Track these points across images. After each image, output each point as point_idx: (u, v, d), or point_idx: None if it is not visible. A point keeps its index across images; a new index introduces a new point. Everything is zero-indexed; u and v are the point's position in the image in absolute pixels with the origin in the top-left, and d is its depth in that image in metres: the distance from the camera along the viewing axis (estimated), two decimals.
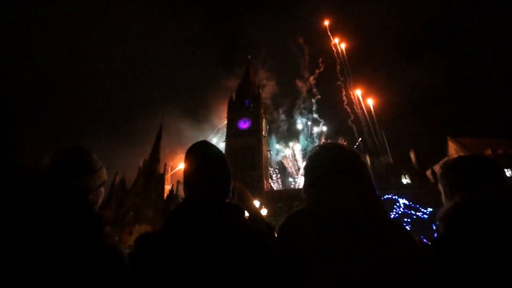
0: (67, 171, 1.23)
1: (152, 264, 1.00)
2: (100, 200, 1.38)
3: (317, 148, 1.30)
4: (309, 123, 63.44)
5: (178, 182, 40.68)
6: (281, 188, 49.44)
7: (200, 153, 1.31)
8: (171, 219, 1.12)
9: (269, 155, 49.33)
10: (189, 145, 1.37)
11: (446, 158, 1.55)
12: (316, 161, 1.23)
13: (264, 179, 40.84)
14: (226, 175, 1.29)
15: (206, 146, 1.34)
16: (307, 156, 1.32)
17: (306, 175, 1.26)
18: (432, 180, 28.99)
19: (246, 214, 1.47)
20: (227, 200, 1.29)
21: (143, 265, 1.01)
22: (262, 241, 1.10)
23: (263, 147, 44.06)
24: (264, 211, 16.05)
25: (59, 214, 1.00)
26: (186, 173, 1.27)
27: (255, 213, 1.50)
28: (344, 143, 1.41)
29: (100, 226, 1.09)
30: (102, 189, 1.38)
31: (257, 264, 1.00)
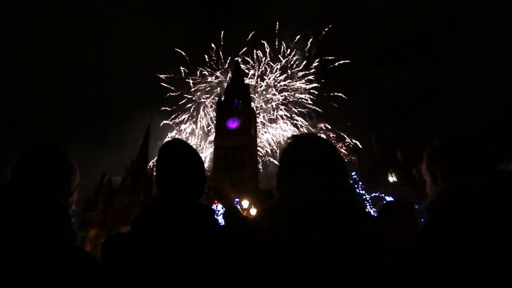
0: (50, 171, 1.16)
1: (118, 267, 0.98)
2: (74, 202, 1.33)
3: (290, 140, 1.24)
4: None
5: None
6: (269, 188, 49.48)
7: (172, 151, 1.28)
8: (138, 220, 1.11)
9: (259, 154, 49.33)
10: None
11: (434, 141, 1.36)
12: (287, 154, 1.19)
13: (254, 179, 40.81)
14: (198, 173, 1.27)
15: (178, 144, 1.31)
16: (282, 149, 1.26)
17: (278, 168, 1.21)
18: (417, 177, 29.52)
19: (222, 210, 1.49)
20: (204, 196, 1.29)
21: (110, 267, 1.00)
22: (229, 240, 1.08)
23: (253, 146, 44.04)
24: (253, 211, 16.05)
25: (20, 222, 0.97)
26: (157, 172, 1.25)
27: (230, 208, 1.49)
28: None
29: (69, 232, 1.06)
30: (76, 191, 1.31)
31: (222, 264, 0.99)
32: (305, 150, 1.14)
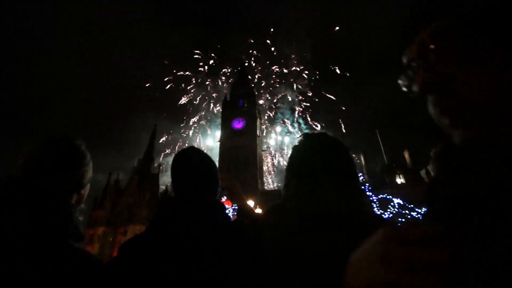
0: (62, 163, 1.12)
1: (133, 270, 0.98)
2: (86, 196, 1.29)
3: (301, 138, 1.22)
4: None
5: None
6: (275, 188, 49.51)
7: (187, 159, 1.33)
8: (153, 222, 1.12)
9: (263, 154, 49.31)
10: (182, 145, 1.37)
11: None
12: (298, 153, 1.16)
13: (259, 179, 40.86)
14: (212, 179, 1.32)
15: (193, 152, 1.37)
16: (292, 147, 1.24)
17: (287, 167, 1.19)
18: (426, 180, 29.27)
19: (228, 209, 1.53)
20: (217, 195, 1.35)
21: (124, 271, 1.00)
22: (242, 235, 1.11)
23: (258, 146, 44.07)
24: (258, 211, 16.05)
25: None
26: (173, 177, 1.29)
27: (242, 205, 1.56)
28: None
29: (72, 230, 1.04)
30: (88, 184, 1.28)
31: (236, 259, 1.01)
32: (315, 151, 1.10)
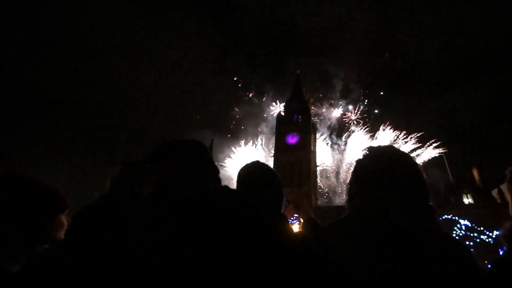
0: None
1: None
2: None
3: (366, 152, 1.15)
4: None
5: None
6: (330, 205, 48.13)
7: (253, 173, 1.45)
8: None
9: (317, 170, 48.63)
10: (234, 158, 1.70)
11: None
12: (363, 167, 1.11)
13: (313, 195, 40.35)
14: (277, 192, 1.43)
15: (258, 166, 1.50)
16: (356, 160, 1.20)
17: (351, 181, 1.13)
18: (499, 200, 26.25)
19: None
20: (284, 208, 1.47)
21: None
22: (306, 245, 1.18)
23: (312, 162, 43.77)
24: None
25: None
26: (239, 190, 1.39)
27: (309, 219, 1.63)
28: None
29: None
30: None
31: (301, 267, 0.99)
32: (383, 164, 1.05)
